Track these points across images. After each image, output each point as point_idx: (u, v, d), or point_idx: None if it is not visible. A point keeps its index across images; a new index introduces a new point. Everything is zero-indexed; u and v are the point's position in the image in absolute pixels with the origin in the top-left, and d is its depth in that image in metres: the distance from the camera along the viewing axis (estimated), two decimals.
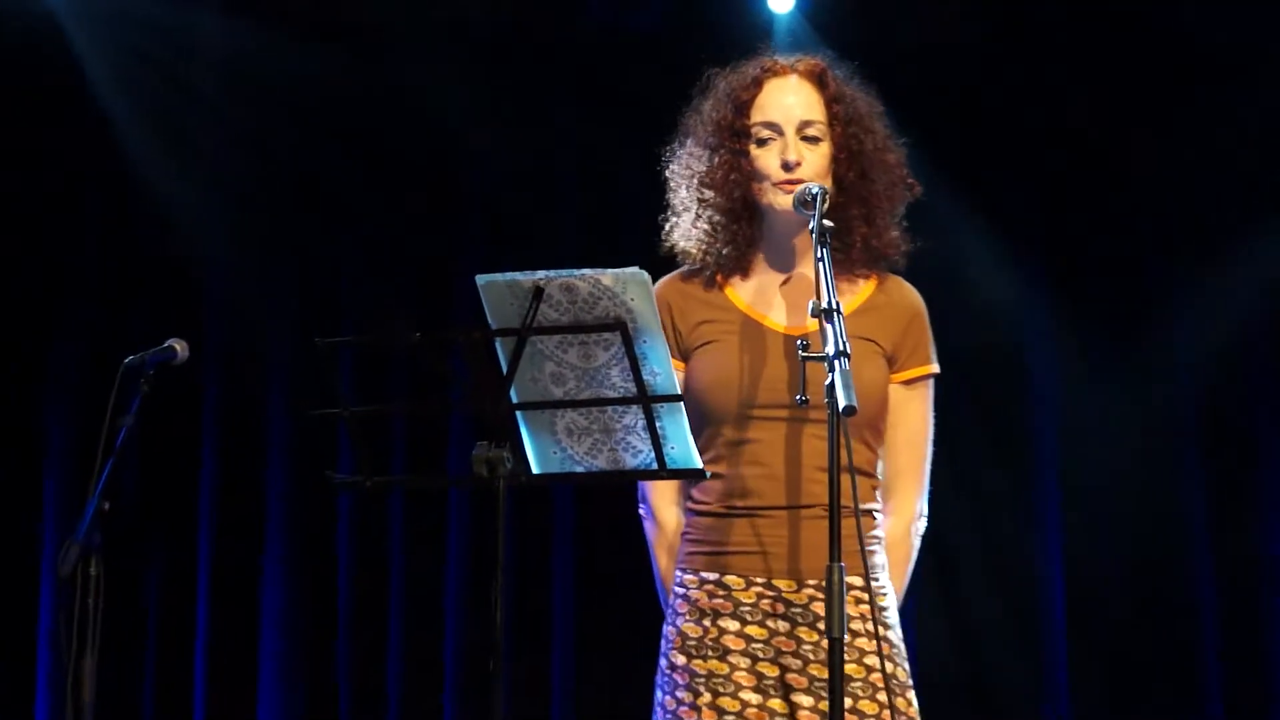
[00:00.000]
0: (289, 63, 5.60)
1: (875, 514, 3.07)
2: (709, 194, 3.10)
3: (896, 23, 5.28)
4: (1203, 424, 5.33)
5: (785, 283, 3.10)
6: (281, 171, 5.77)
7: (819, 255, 2.78)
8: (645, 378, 2.64)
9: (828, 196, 2.95)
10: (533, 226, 5.62)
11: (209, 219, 5.78)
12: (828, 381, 2.63)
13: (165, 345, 3.55)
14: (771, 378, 3.00)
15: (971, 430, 5.12)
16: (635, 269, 2.62)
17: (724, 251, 3.10)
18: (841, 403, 2.59)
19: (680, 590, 3.05)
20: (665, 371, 2.66)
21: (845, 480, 2.95)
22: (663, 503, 3.15)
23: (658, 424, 2.67)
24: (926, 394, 3.13)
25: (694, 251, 3.13)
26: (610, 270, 2.61)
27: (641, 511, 3.19)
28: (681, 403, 2.68)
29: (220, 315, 5.81)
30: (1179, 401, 5.33)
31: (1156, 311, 5.35)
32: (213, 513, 5.74)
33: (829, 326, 2.69)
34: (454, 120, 5.63)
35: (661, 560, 3.15)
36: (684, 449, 2.71)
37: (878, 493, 3.09)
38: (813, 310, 2.72)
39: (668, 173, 3.19)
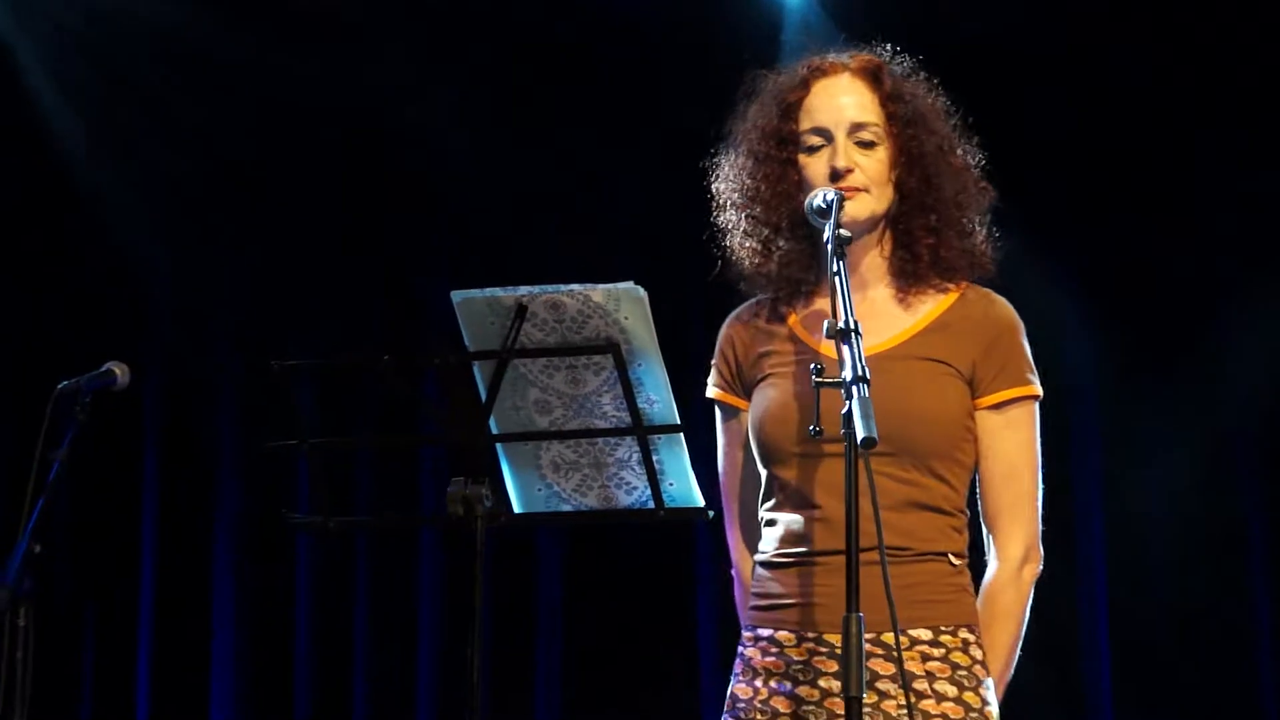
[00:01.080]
0: (244, 56, 5.62)
1: (953, 558, 3.04)
2: (757, 209, 3.09)
3: (926, 13, 5.28)
4: (1259, 452, 5.34)
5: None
6: (235, 174, 5.78)
7: (834, 269, 2.76)
8: (640, 405, 2.64)
9: (843, 203, 2.94)
10: (515, 237, 5.63)
11: (154, 228, 5.78)
12: (844, 410, 2.62)
13: (103, 369, 3.55)
14: (823, 411, 2.97)
15: None
16: (629, 284, 2.61)
17: (780, 273, 3.10)
18: (860, 434, 2.58)
19: (740, 648, 3.05)
20: (663, 399, 2.65)
21: (924, 521, 2.95)
22: (747, 562, 3.15)
23: (655, 457, 2.67)
24: (1024, 419, 3.07)
25: (753, 276, 3.13)
26: (601, 285, 2.61)
27: (732, 574, 3.19)
28: (681, 434, 2.67)
29: (165, 335, 5.81)
30: (1233, 428, 5.34)
31: (1207, 331, 5.36)
32: (156, 557, 5.73)
33: (846, 349, 2.68)
34: (427, 119, 5.64)
35: (744, 619, 3.15)
36: (684, 485, 2.70)
37: (960, 534, 3.06)
38: (828, 331, 2.71)
39: (714, 188, 3.19)
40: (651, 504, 2.70)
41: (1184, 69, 5.39)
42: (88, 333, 5.73)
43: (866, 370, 2.63)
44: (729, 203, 3.14)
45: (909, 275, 3.08)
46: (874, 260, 3.08)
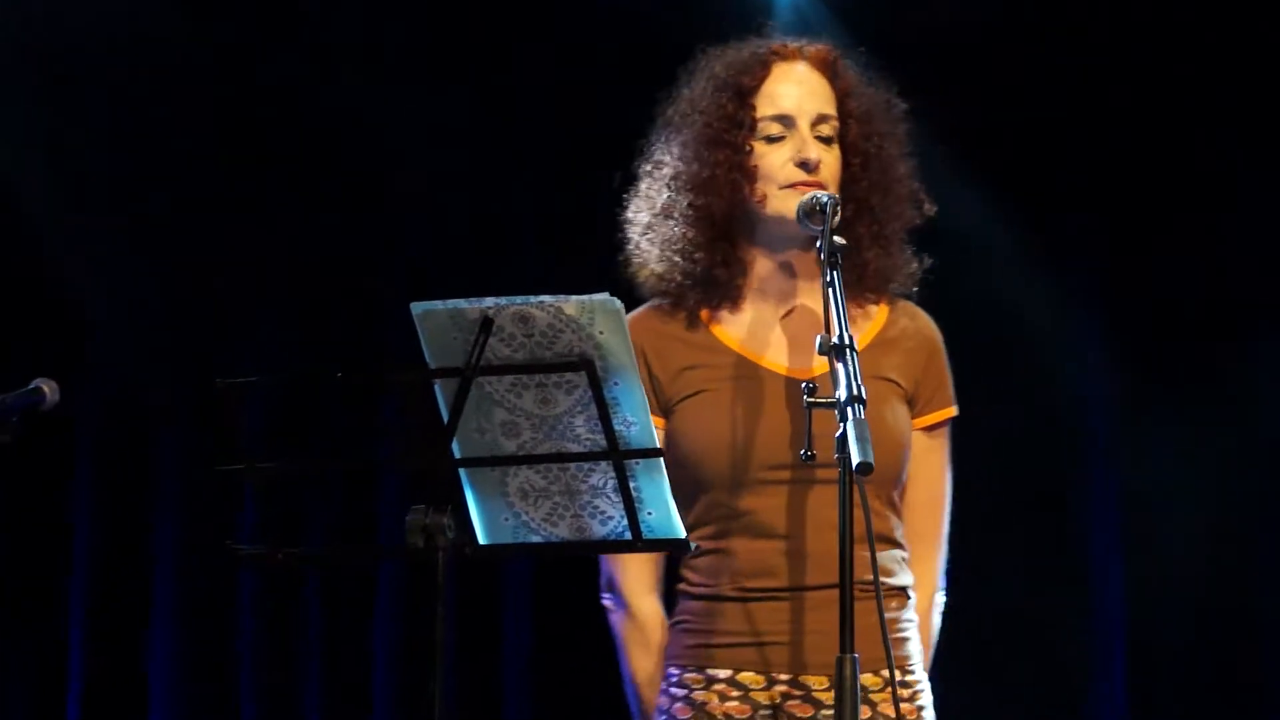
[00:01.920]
0: (191, 50, 5.61)
1: (911, 592, 3.05)
2: (701, 200, 3.07)
3: (925, 9, 5.28)
4: (1272, 456, 5.36)
5: (787, 315, 3.08)
6: (179, 175, 5.76)
7: (829, 279, 2.77)
8: (617, 428, 2.63)
9: (839, 208, 2.94)
10: (481, 244, 5.63)
11: (89, 234, 5.76)
12: (838, 433, 2.62)
13: (31, 386, 3.54)
14: (775, 431, 2.98)
15: (1011, 493, 5.13)
16: (605, 295, 2.61)
17: (711, 275, 3.08)
18: (855, 459, 2.58)
19: (679, 692, 3.02)
20: (641, 421, 2.64)
21: (889, 555, 2.99)
22: (638, 589, 3.12)
23: (631, 484, 2.66)
24: (945, 441, 3.16)
25: (672, 275, 3.11)
26: (574, 297, 2.60)
27: (607, 602, 3.16)
28: (661, 459, 2.66)
29: (100, 349, 5.79)
30: (1261, 463, 5.35)
31: (1235, 355, 5.37)
32: (88, 589, 5.71)
33: (841, 367, 2.67)
34: (387, 117, 5.63)
35: (639, 661, 3.12)
36: (664, 515, 2.69)
37: (908, 565, 3.08)
38: (821, 347, 2.71)
39: (640, 173, 3.17)
40: (628, 535, 2.69)
41: (1202, 80, 5.42)
42: (13, 347, 5.72)
43: (863, 390, 2.64)
44: (663, 190, 3.12)
45: (848, 288, 3.08)
46: (809, 267, 3.07)
